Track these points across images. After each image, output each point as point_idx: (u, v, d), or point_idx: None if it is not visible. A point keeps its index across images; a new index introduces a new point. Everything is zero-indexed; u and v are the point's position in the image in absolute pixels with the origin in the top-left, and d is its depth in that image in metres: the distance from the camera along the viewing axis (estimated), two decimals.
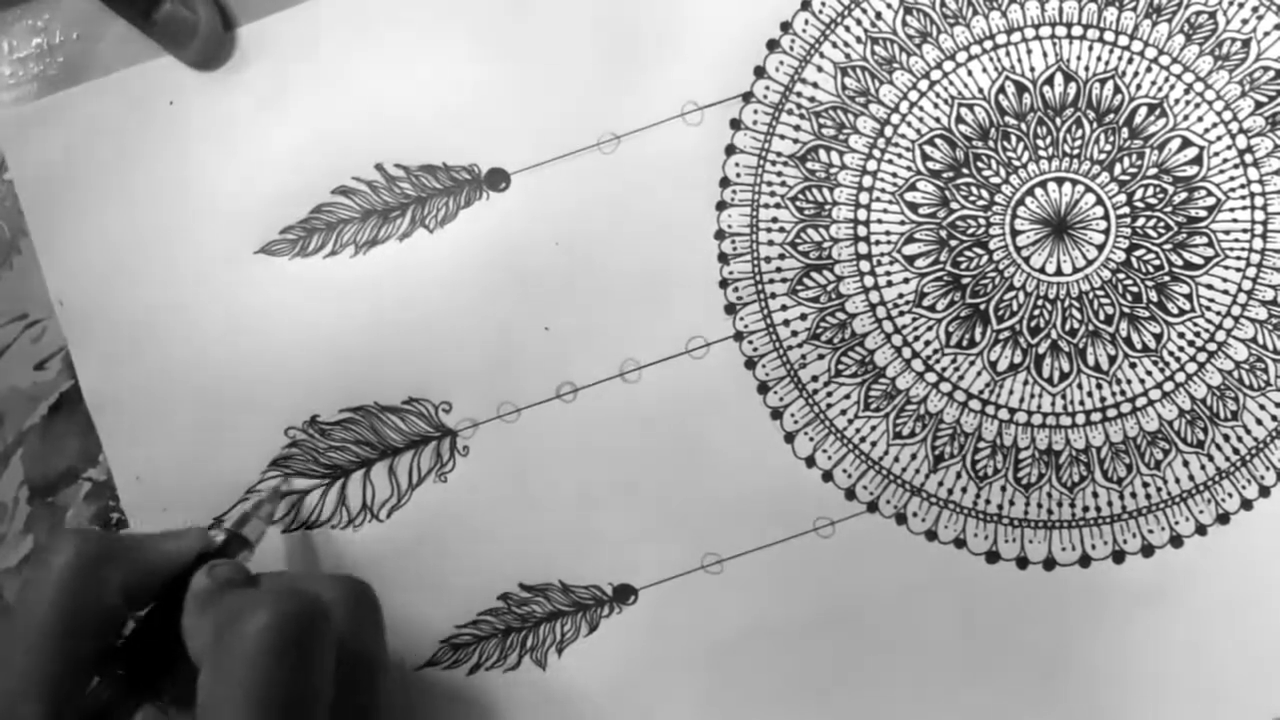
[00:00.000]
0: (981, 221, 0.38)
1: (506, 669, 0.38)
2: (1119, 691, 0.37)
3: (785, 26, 0.39)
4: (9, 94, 0.39)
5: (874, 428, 0.38)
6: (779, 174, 0.38)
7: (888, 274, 0.38)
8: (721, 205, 0.38)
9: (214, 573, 0.32)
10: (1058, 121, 0.38)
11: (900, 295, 0.38)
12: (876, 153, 0.38)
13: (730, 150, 0.38)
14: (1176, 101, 0.38)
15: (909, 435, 0.38)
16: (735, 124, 0.38)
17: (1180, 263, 0.38)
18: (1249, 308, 0.38)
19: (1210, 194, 0.38)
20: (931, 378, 0.38)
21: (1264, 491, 0.37)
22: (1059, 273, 0.38)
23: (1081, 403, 0.38)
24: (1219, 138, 0.38)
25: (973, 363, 0.38)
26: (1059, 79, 0.38)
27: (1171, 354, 0.38)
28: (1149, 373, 0.38)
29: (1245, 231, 0.38)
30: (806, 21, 0.38)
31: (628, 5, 0.38)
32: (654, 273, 0.38)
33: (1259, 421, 0.37)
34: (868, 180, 0.38)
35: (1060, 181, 0.38)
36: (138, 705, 0.31)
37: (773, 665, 0.38)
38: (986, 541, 0.38)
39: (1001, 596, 0.37)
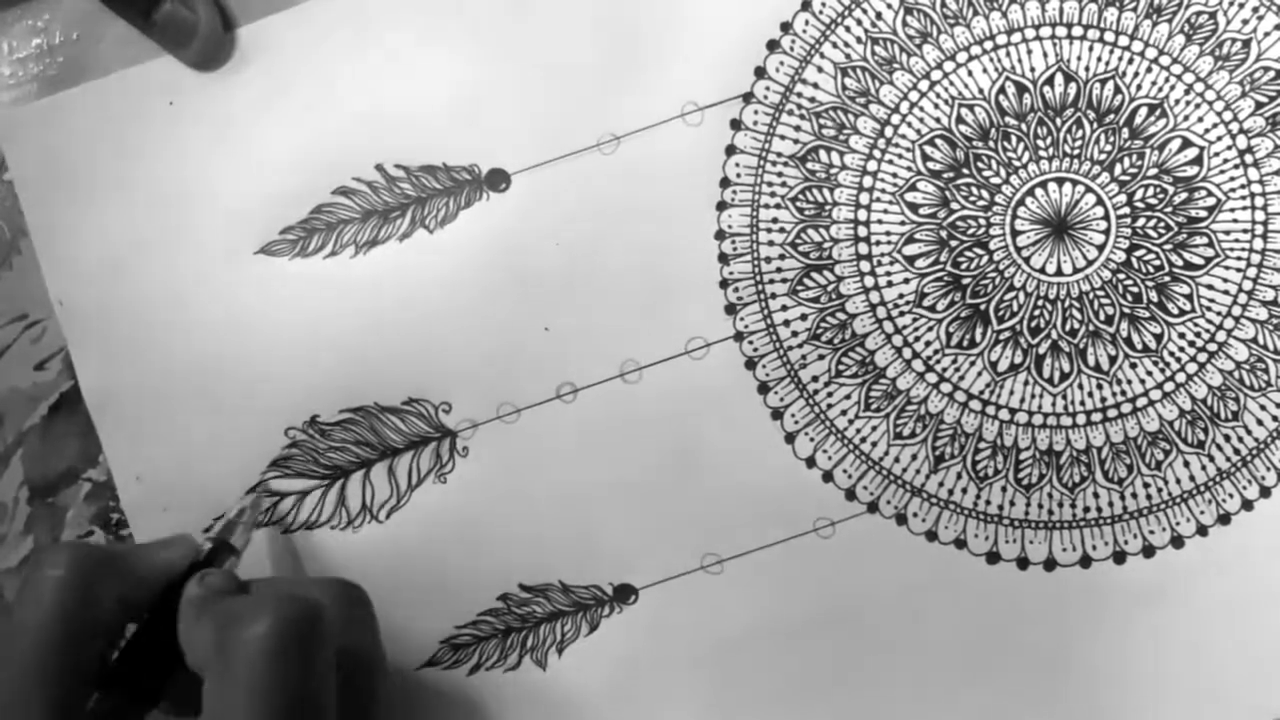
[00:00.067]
0: (982, 222, 0.38)
1: (507, 669, 0.38)
2: (1119, 692, 0.37)
3: (785, 27, 0.39)
4: (9, 94, 0.39)
5: (874, 428, 0.38)
6: (779, 174, 0.38)
7: (888, 274, 0.38)
8: (722, 205, 0.39)
9: (206, 581, 0.32)
10: (1058, 122, 0.38)
11: (901, 295, 0.38)
12: (877, 153, 0.38)
13: (730, 151, 0.39)
14: (1177, 102, 0.38)
15: (909, 436, 0.38)
16: (735, 124, 0.39)
17: (1180, 263, 0.38)
18: (1249, 308, 0.38)
19: (1210, 194, 0.38)
20: (932, 378, 0.38)
21: (1265, 492, 0.37)
22: (1059, 273, 0.38)
23: (1082, 403, 0.38)
24: (1219, 138, 0.38)
25: (973, 363, 0.38)
26: (1059, 79, 0.38)
27: (1172, 354, 0.38)
28: (1149, 373, 0.38)
29: (1245, 232, 0.38)
30: (807, 22, 0.39)
31: (628, 5, 0.38)
32: (654, 273, 0.38)
33: (1260, 422, 0.38)
34: (868, 180, 0.38)
35: (1060, 182, 0.38)
36: (138, 716, 0.31)
37: (773, 665, 0.38)
38: (987, 542, 0.38)
39: (1002, 597, 0.38)
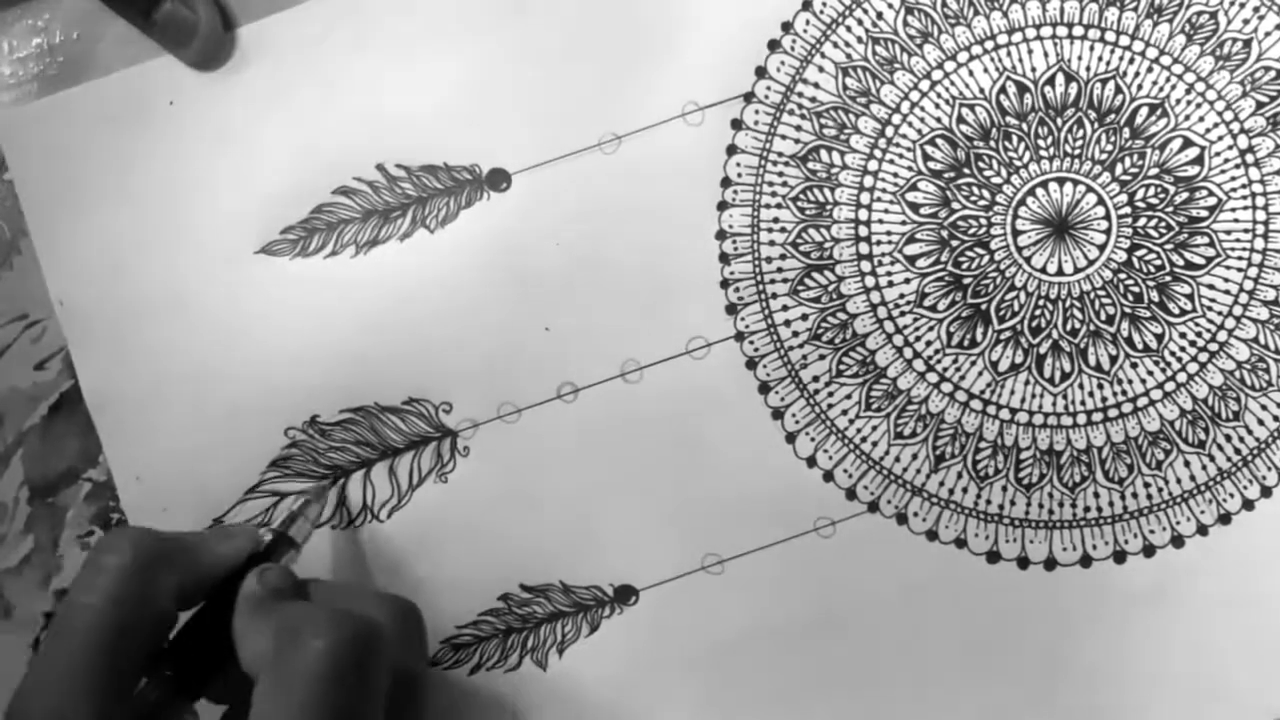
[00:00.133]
0: (983, 221, 0.38)
1: (507, 669, 0.38)
2: (1119, 691, 0.37)
3: (786, 27, 0.39)
4: (9, 94, 0.39)
5: (875, 428, 0.38)
6: (780, 174, 0.39)
7: (889, 274, 0.38)
8: (723, 205, 0.39)
9: (264, 578, 0.32)
10: (1059, 121, 0.38)
11: (901, 295, 0.38)
12: (878, 153, 0.38)
13: (731, 150, 0.39)
14: (1178, 102, 0.38)
15: (910, 435, 0.38)
16: (736, 124, 0.39)
17: (1181, 263, 0.38)
18: (1250, 308, 0.38)
19: (1211, 194, 0.38)
20: (933, 378, 0.38)
21: (1265, 492, 0.38)
22: (1060, 273, 0.38)
23: (1083, 403, 0.38)
24: (1220, 138, 0.38)
25: (974, 363, 0.38)
26: (1060, 79, 0.38)
27: (1173, 354, 0.38)
28: (1150, 373, 0.38)
29: (1246, 231, 0.38)
30: (808, 22, 0.39)
31: (629, 5, 0.39)
32: (655, 273, 0.38)
33: (1260, 422, 0.38)
34: (869, 180, 0.38)
35: (1061, 181, 0.38)
36: (185, 706, 0.31)
37: (774, 665, 0.38)
38: (987, 542, 0.38)
39: (1002, 597, 0.38)
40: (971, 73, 0.38)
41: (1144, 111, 0.38)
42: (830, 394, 0.38)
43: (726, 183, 0.39)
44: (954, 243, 0.38)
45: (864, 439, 0.38)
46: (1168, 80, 0.38)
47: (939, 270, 0.38)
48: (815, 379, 0.38)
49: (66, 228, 0.39)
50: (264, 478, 0.39)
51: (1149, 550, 0.38)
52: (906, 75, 0.38)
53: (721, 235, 0.39)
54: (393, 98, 0.39)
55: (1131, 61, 0.38)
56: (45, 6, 0.39)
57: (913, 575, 0.38)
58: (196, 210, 0.39)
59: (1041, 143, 0.38)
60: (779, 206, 0.39)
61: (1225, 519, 0.38)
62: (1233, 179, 0.38)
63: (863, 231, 0.38)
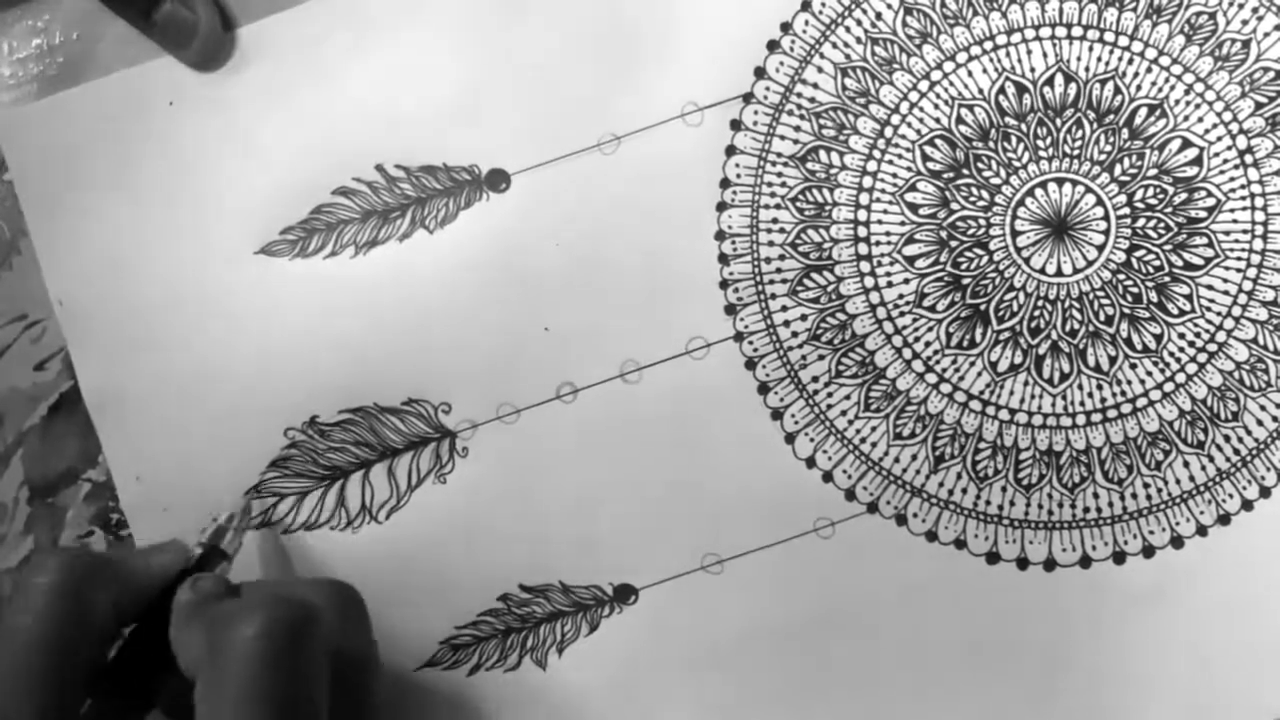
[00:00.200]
0: (982, 222, 0.38)
1: (507, 669, 0.38)
2: (1119, 692, 0.37)
3: (785, 27, 0.39)
4: (9, 94, 0.39)
5: (874, 428, 0.38)
6: (779, 175, 0.39)
7: (888, 275, 0.38)
8: (722, 206, 0.39)
9: (197, 586, 0.32)
10: (1058, 122, 0.38)
11: (900, 296, 0.38)
12: (877, 153, 0.38)
13: (730, 151, 0.39)
14: (1177, 102, 0.38)
15: (909, 436, 0.38)
16: (735, 125, 0.39)
17: (1180, 263, 0.38)
18: (1249, 308, 0.38)
19: (1210, 195, 0.38)
20: (932, 378, 0.38)
21: (1264, 492, 0.38)
22: (1059, 273, 0.38)
23: (1082, 403, 0.38)
24: (1219, 138, 0.38)
25: (973, 363, 0.38)
26: (1059, 80, 0.38)
27: (1172, 355, 0.38)
28: (1149, 373, 0.38)
29: (1245, 232, 0.38)
30: (807, 22, 0.39)
31: (628, 6, 0.39)
32: (654, 273, 0.38)
33: (1260, 422, 0.38)
34: (868, 181, 0.38)
35: (1060, 182, 0.38)
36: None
37: (773, 665, 0.38)
38: (987, 542, 0.38)
39: (1002, 597, 0.38)
40: (970, 73, 0.38)
41: (1143, 112, 0.38)
42: (829, 394, 0.38)
43: (725, 183, 0.39)
44: (953, 243, 0.38)
45: (863, 440, 0.38)
46: (1167, 81, 0.38)
47: (938, 271, 0.38)
48: (814, 379, 0.38)
49: (66, 228, 0.39)
50: (264, 478, 0.39)
51: (1148, 551, 0.38)
52: (905, 76, 0.38)
53: (721, 236, 0.39)
54: (392, 98, 0.39)
55: (1130, 62, 0.38)
56: (45, 7, 0.39)
57: (912, 576, 0.38)
58: (196, 211, 0.39)
59: (1040, 143, 0.38)
60: (778, 207, 0.39)
61: (1224, 520, 0.38)
62: (1232, 180, 0.38)
63: (862, 232, 0.38)
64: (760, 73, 0.39)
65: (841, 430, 0.38)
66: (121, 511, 0.39)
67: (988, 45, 0.38)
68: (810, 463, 0.38)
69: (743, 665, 0.38)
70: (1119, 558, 0.38)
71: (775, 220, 0.39)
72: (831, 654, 0.38)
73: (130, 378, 0.39)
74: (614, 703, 0.38)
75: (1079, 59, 0.38)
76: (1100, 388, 0.38)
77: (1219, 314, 0.38)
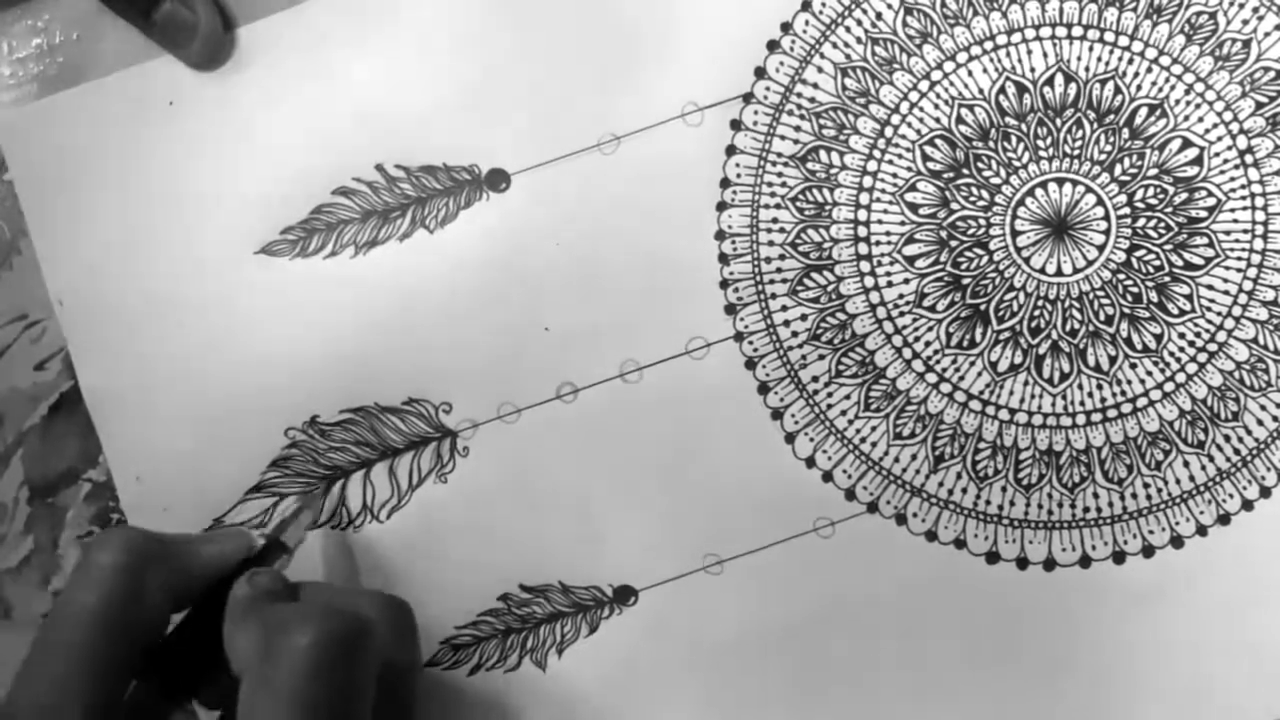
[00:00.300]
0: (982, 222, 0.38)
1: (507, 670, 0.39)
2: (1120, 692, 0.37)
3: (785, 27, 0.39)
4: (9, 94, 0.40)
5: (874, 428, 0.38)
6: (779, 174, 0.39)
7: (888, 274, 0.39)
8: (722, 206, 0.39)
9: (254, 581, 0.32)
10: (1058, 122, 0.38)
11: (900, 296, 0.38)
12: (877, 153, 0.39)
13: (730, 151, 0.39)
14: (1177, 102, 0.38)
15: (909, 436, 0.38)
16: (735, 125, 0.39)
17: (1181, 263, 0.38)
18: (1249, 308, 0.38)
19: (1211, 194, 0.38)
20: (932, 378, 0.38)
21: (1265, 492, 0.38)
22: (1059, 273, 0.38)
23: (1082, 403, 0.38)
24: (1219, 138, 0.38)
25: (973, 363, 0.38)
26: (1059, 79, 0.38)
27: (1172, 354, 0.38)
28: (1149, 373, 0.38)
29: (1246, 232, 0.38)
30: (807, 22, 0.39)
31: (628, 6, 0.39)
32: (654, 273, 0.39)
33: (1260, 422, 0.38)
34: (868, 181, 0.39)
35: (1061, 182, 0.38)
36: (173, 709, 0.31)
37: (773, 666, 0.38)
38: (987, 542, 0.38)
39: (1002, 597, 0.38)
40: (970, 73, 0.38)
41: (1143, 112, 0.38)
42: (829, 394, 0.39)
43: (726, 183, 0.39)
44: (953, 243, 0.38)
45: (863, 439, 0.38)
46: (1167, 81, 0.38)
47: (938, 271, 0.38)
48: (814, 379, 0.39)
49: (66, 228, 0.39)
50: (264, 478, 0.39)
51: (1148, 551, 0.38)
52: (906, 76, 0.39)
53: (721, 235, 0.39)
54: (392, 98, 0.39)
55: (1131, 62, 0.38)
56: (45, 7, 0.39)
57: (912, 576, 0.38)
58: (196, 210, 0.39)
59: (1041, 143, 0.38)
60: (778, 207, 0.39)
61: (1224, 519, 0.38)
62: (1232, 179, 0.38)
63: (862, 232, 0.39)
64: (760, 73, 0.39)
65: (841, 430, 0.38)
66: (122, 512, 0.39)
67: (988, 45, 0.38)
68: (810, 462, 0.38)
69: (743, 666, 0.38)
70: (1119, 557, 0.38)
71: (775, 220, 0.39)
72: (832, 654, 0.38)
73: (130, 378, 0.39)
74: (614, 703, 0.38)
75: (1079, 59, 0.38)
76: (1100, 387, 0.38)
77: (1219, 314, 0.38)
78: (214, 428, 0.39)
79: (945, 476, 0.38)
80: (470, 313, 0.39)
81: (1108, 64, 0.38)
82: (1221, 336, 0.38)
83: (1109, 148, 0.38)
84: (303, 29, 0.39)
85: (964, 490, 0.38)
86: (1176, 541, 0.38)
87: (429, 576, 0.39)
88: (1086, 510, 0.38)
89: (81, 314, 0.39)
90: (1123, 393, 0.38)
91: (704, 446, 0.38)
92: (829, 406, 0.39)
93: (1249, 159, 0.38)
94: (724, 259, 0.39)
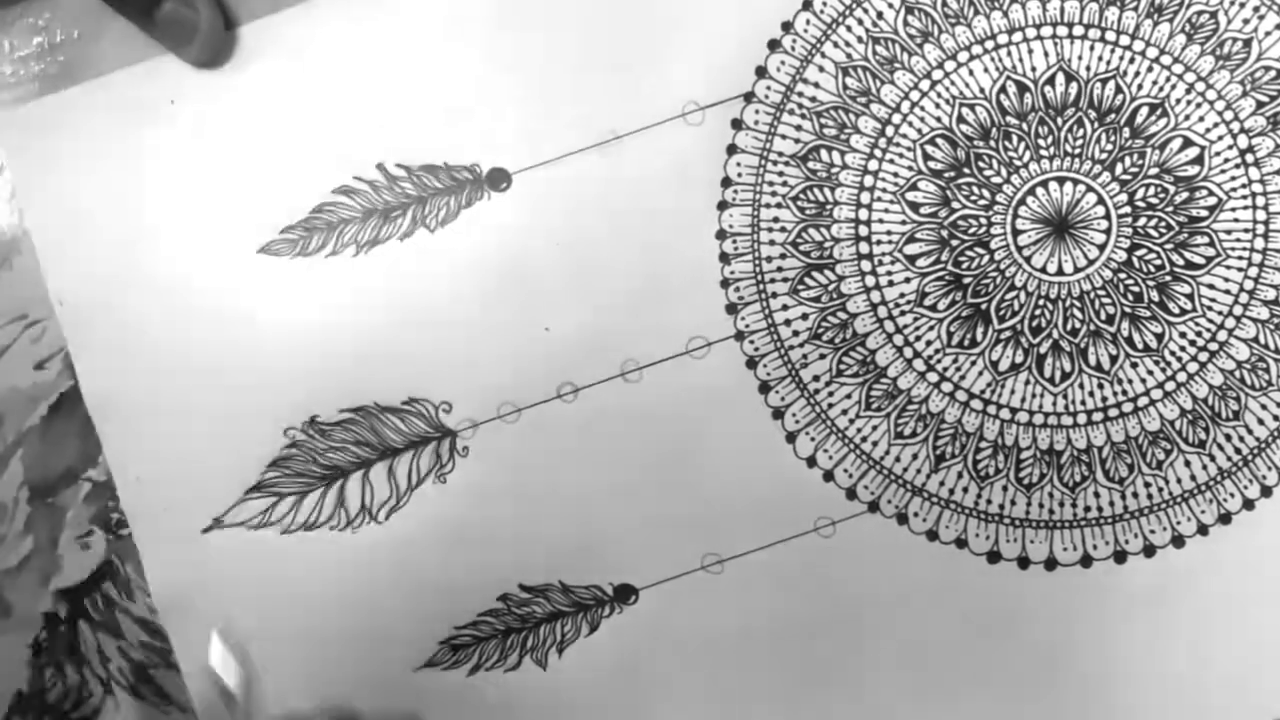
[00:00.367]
0: (983, 221, 0.39)
1: (507, 669, 0.39)
2: (1120, 691, 0.38)
3: (787, 26, 0.39)
4: (9, 93, 0.40)
5: (875, 427, 0.39)
6: (780, 174, 0.39)
7: (889, 274, 0.39)
8: (723, 205, 0.39)
9: None
10: (1059, 121, 0.39)
11: (901, 295, 0.39)
12: (878, 152, 0.39)
13: (731, 150, 0.39)
14: (1178, 101, 0.38)
15: (910, 435, 0.39)
16: (736, 124, 0.39)
17: (1181, 262, 0.38)
18: (1250, 307, 0.38)
19: (1211, 194, 0.38)
20: (933, 377, 0.39)
21: (1266, 491, 0.38)
22: (1060, 272, 0.38)
23: (1083, 402, 0.38)
24: (1220, 137, 0.38)
25: (974, 362, 0.39)
26: (1060, 79, 0.39)
27: (1173, 353, 0.38)
28: (1150, 372, 0.38)
29: (1247, 231, 0.38)
30: (808, 21, 0.39)
31: (629, 5, 0.39)
32: (655, 272, 0.39)
33: (1260, 421, 0.38)
34: (869, 180, 0.39)
35: (1061, 181, 0.39)
36: None
37: (773, 665, 0.38)
38: (988, 541, 0.38)
39: (1003, 596, 0.38)
40: (972, 72, 0.39)
41: (1144, 111, 0.38)
42: (830, 394, 0.39)
43: (727, 182, 0.39)
44: (954, 242, 0.39)
45: (864, 439, 0.39)
46: (1168, 80, 0.38)
47: (939, 270, 0.39)
48: (815, 378, 0.39)
49: (66, 227, 0.39)
50: (264, 478, 0.39)
51: (1149, 550, 0.38)
52: (907, 75, 0.39)
53: (722, 235, 0.39)
54: (393, 97, 0.39)
55: (1132, 61, 0.38)
56: (46, 5, 0.40)
57: (913, 575, 0.38)
58: (197, 210, 0.39)
59: (1042, 142, 0.39)
60: (779, 206, 0.39)
61: (1226, 519, 0.38)
62: (1233, 179, 0.38)
63: (863, 231, 0.39)
64: (761, 72, 0.39)
65: (842, 429, 0.39)
66: (121, 512, 0.39)
67: (989, 44, 0.39)
68: (811, 462, 0.39)
69: (743, 664, 0.38)
70: (1120, 557, 0.38)
71: (776, 219, 0.39)
72: (832, 653, 0.38)
73: (130, 377, 0.39)
74: (614, 702, 0.38)
75: (1080, 58, 0.39)
76: (1101, 386, 0.38)
77: (1220, 313, 0.38)
78: (214, 427, 0.39)
79: (946, 476, 0.39)
80: (471, 312, 0.39)
81: (1109, 63, 0.39)
82: (1222, 336, 0.38)
83: (1110, 147, 0.38)
84: (304, 28, 0.39)
85: (965, 490, 0.38)
86: (1178, 541, 0.38)
87: (428, 577, 0.39)
88: (1088, 509, 0.38)
89: (81, 314, 0.39)
90: (1124, 392, 0.38)
91: (705, 446, 0.39)
92: (830, 406, 0.39)
93: (1250, 158, 0.38)
94: (725, 258, 0.39)
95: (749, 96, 0.39)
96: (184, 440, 0.39)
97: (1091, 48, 0.39)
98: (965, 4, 0.39)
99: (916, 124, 0.39)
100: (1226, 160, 0.38)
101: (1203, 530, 0.38)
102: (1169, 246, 0.38)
